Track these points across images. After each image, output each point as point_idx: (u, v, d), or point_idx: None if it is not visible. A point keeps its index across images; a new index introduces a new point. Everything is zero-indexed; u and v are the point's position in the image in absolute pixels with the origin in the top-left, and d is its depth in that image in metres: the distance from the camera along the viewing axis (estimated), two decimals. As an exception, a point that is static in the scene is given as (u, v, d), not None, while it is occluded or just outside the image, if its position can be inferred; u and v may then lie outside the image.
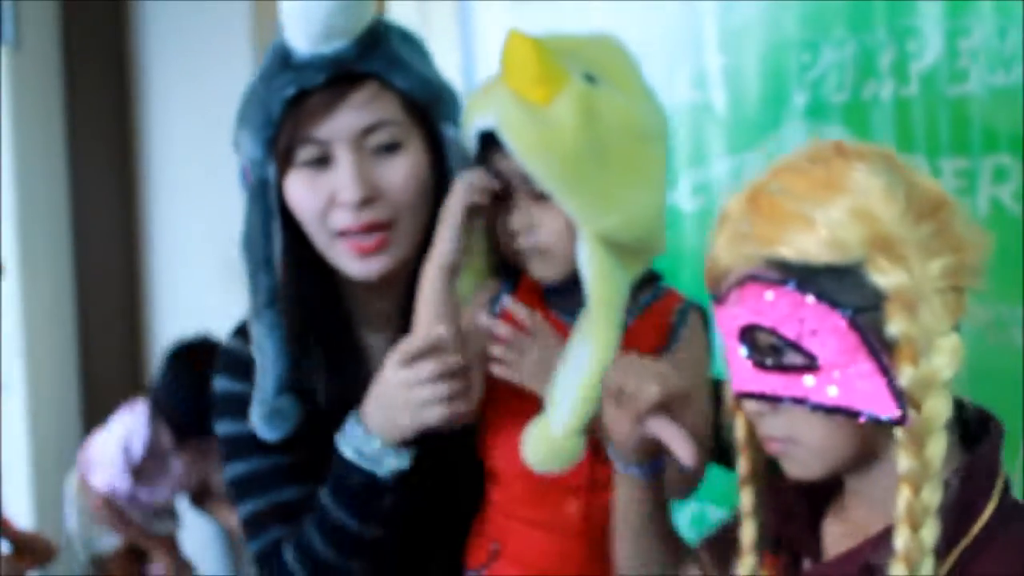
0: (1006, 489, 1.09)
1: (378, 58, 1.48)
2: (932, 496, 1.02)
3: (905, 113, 1.96)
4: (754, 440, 1.17)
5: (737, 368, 1.11)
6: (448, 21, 2.88)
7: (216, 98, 3.98)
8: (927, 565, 1.01)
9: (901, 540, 1.02)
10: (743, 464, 1.19)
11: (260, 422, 1.51)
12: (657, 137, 1.45)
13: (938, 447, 1.03)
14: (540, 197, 1.41)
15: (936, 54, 1.91)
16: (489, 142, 1.44)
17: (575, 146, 1.37)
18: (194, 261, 4.18)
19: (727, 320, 1.10)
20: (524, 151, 1.38)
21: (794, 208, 1.05)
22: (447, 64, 2.83)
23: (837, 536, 1.15)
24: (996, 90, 1.84)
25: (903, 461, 1.02)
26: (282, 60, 1.50)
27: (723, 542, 1.26)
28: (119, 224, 4.41)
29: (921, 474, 1.02)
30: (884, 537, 1.05)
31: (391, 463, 1.47)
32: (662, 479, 1.29)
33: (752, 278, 1.06)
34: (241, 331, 1.61)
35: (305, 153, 1.49)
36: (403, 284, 1.55)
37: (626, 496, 1.30)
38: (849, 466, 1.10)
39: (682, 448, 1.18)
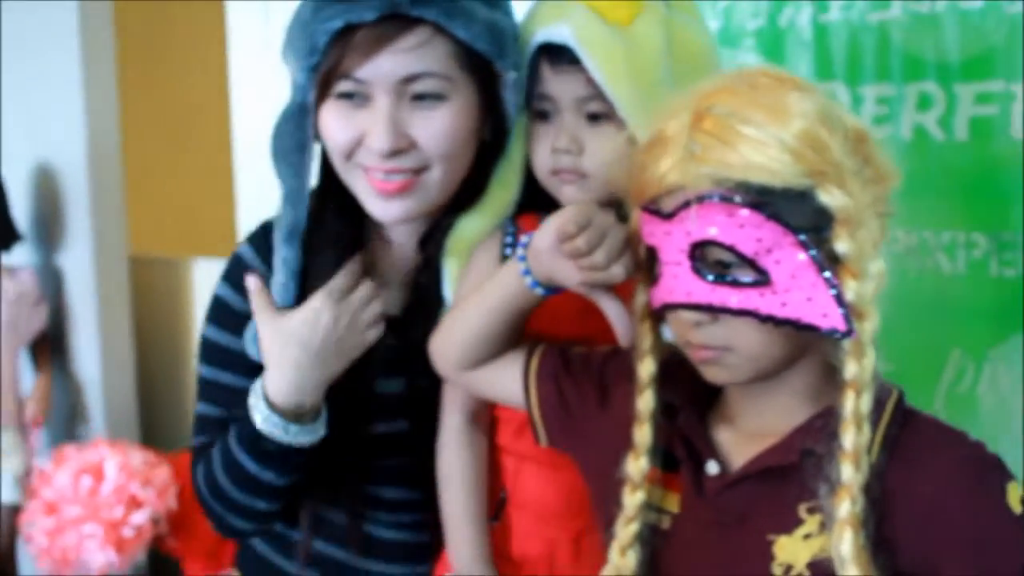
0: (901, 396, 1.21)
1: (436, 5, 1.39)
2: (868, 400, 1.14)
3: (824, 39, 1.96)
4: (657, 346, 1.26)
5: (677, 280, 1.16)
6: None
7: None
8: (865, 462, 1.13)
9: (849, 439, 1.12)
10: (645, 368, 1.26)
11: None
12: (718, 70, 1.44)
13: (872, 357, 1.14)
14: (593, 119, 1.39)
15: (858, -21, 1.91)
16: (543, 55, 1.40)
17: (656, 71, 1.35)
18: None
19: (675, 235, 1.15)
20: (606, 71, 1.35)
21: (748, 132, 1.11)
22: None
23: (731, 441, 1.24)
24: (920, 17, 1.85)
25: (850, 368, 1.13)
26: None
27: (567, 368, 1.36)
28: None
29: (863, 380, 1.13)
30: (811, 427, 1.16)
31: (302, 438, 1.49)
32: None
33: (712, 197, 1.11)
34: (255, 237, 1.58)
35: (343, 87, 1.43)
36: (423, 223, 1.53)
37: (507, 282, 1.34)
38: (771, 372, 1.19)
39: (623, 331, 1.27)
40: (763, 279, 1.12)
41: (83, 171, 3.72)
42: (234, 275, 1.59)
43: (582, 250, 1.22)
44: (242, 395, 1.55)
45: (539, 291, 1.31)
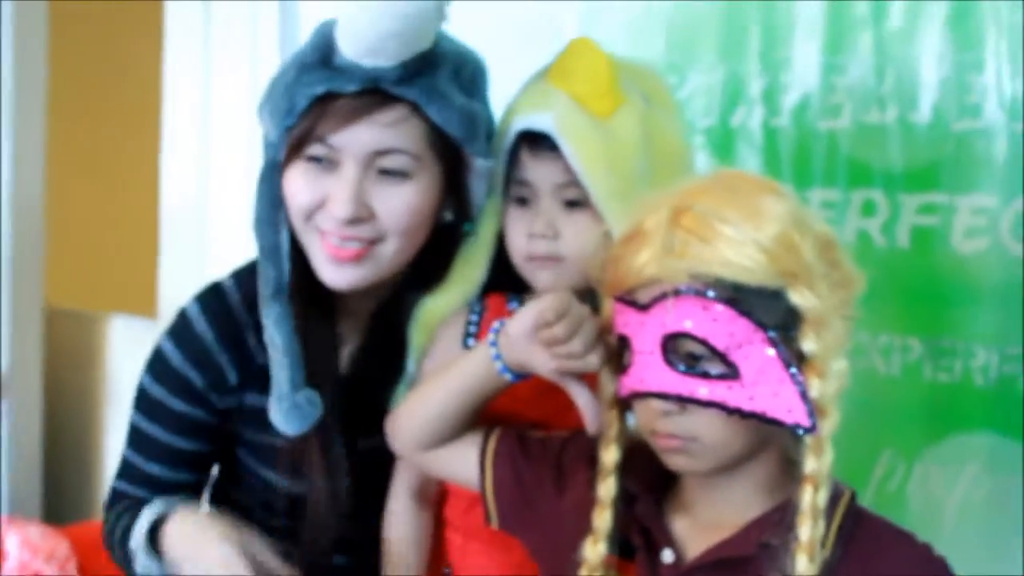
0: (854, 495, 1.25)
1: (417, 86, 1.44)
2: (825, 495, 1.18)
3: (773, 142, 2.03)
4: (622, 434, 1.29)
5: (648, 370, 1.19)
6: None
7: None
8: (819, 555, 1.16)
9: (806, 532, 1.16)
10: (610, 455, 1.28)
11: (281, 419, 1.50)
12: (692, 168, 1.50)
13: (831, 453, 1.18)
14: (570, 205, 1.42)
15: (809, 87, 1.98)
16: (524, 141, 1.44)
17: (633, 162, 1.40)
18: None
19: (649, 326, 1.19)
20: (584, 160, 1.39)
21: (726, 231, 1.16)
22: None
23: (687, 530, 1.27)
24: (870, 128, 1.92)
25: (810, 463, 1.18)
26: (323, 56, 1.45)
27: (524, 451, 1.39)
28: None
29: (821, 475, 1.17)
30: (768, 520, 1.20)
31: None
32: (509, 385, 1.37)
33: (688, 291, 1.15)
34: (205, 298, 1.61)
35: (314, 150, 1.47)
36: (383, 291, 1.57)
37: (475, 365, 1.36)
38: (732, 464, 1.22)
39: (592, 418, 1.30)
40: (732, 372, 1.16)
41: (7, 218, 3.65)
42: (178, 332, 1.62)
43: (559, 338, 1.25)
44: (167, 450, 1.62)
45: (508, 376, 1.34)
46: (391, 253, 1.50)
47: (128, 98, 3.97)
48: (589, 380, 1.31)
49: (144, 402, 1.63)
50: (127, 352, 3.77)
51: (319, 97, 1.45)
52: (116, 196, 4.09)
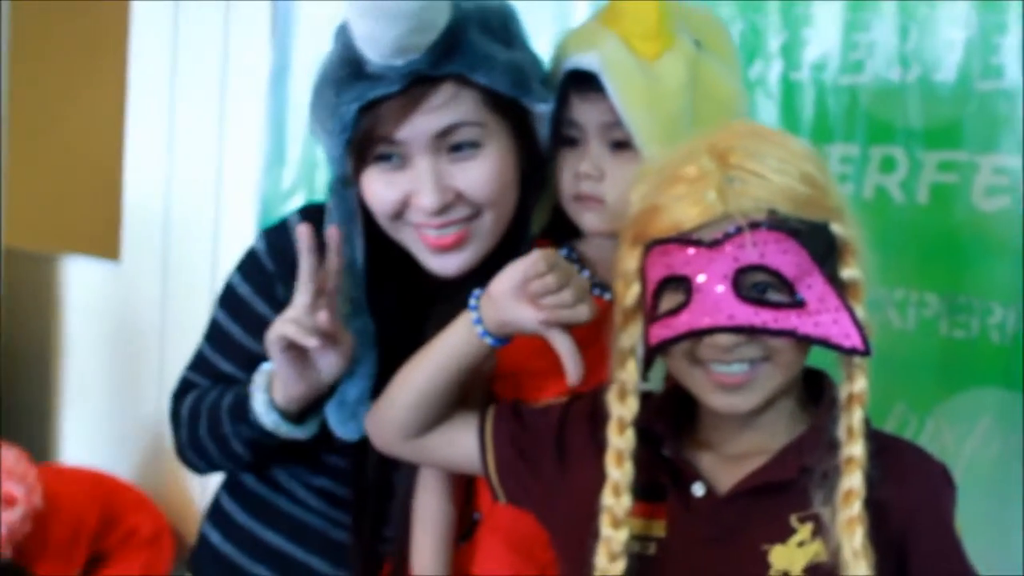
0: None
1: (456, 60, 1.41)
2: (865, 414, 1.23)
3: (791, 96, 2.04)
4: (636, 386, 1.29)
5: (718, 305, 1.20)
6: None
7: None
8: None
9: (858, 449, 1.21)
10: (628, 407, 1.28)
11: (339, 424, 1.50)
12: (744, 115, 1.50)
13: (868, 375, 1.24)
14: (617, 147, 1.43)
15: (831, 43, 1.99)
16: (574, 81, 1.44)
17: (676, 106, 1.40)
18: None
19: (719, 262, 1.20)
20: (627, 100, 1.39)
21: (777, 166, 1.20)
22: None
23: (713, 464, 1.29)
24: (891, 85, 1.94)
25: (859, 384, 1.24)
26: (353, 68, 1.42)
27: (524, 434, 1.39)
28: None
29: (867, 394, 1.23)
30: (804, 445, 1.24)
31: (288, 432, 1.52)
32: (494, 353, 1.38)
33: (761, 225, 1.18)
34: (272, 233, 1.61)
35: (381, 150, 1.44)
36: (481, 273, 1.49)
37: (455, 337, 1.37)
38: (778, 394, 1.25)
39: (574, 367, 1.30)
40: (799, 302, 1.19)
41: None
42: (247, 269, 1.62)
43: (551, 287, 1.27)
44: (242, 351, 1.60)
45: (488, 340, 1.34)
46: (490, 225, 1.48)
47: (93, 35, 3.88)
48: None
49: (229, 299, 1.63)
50: (85, 294, 3.70)
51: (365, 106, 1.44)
52: (79, 136, 3.99)
